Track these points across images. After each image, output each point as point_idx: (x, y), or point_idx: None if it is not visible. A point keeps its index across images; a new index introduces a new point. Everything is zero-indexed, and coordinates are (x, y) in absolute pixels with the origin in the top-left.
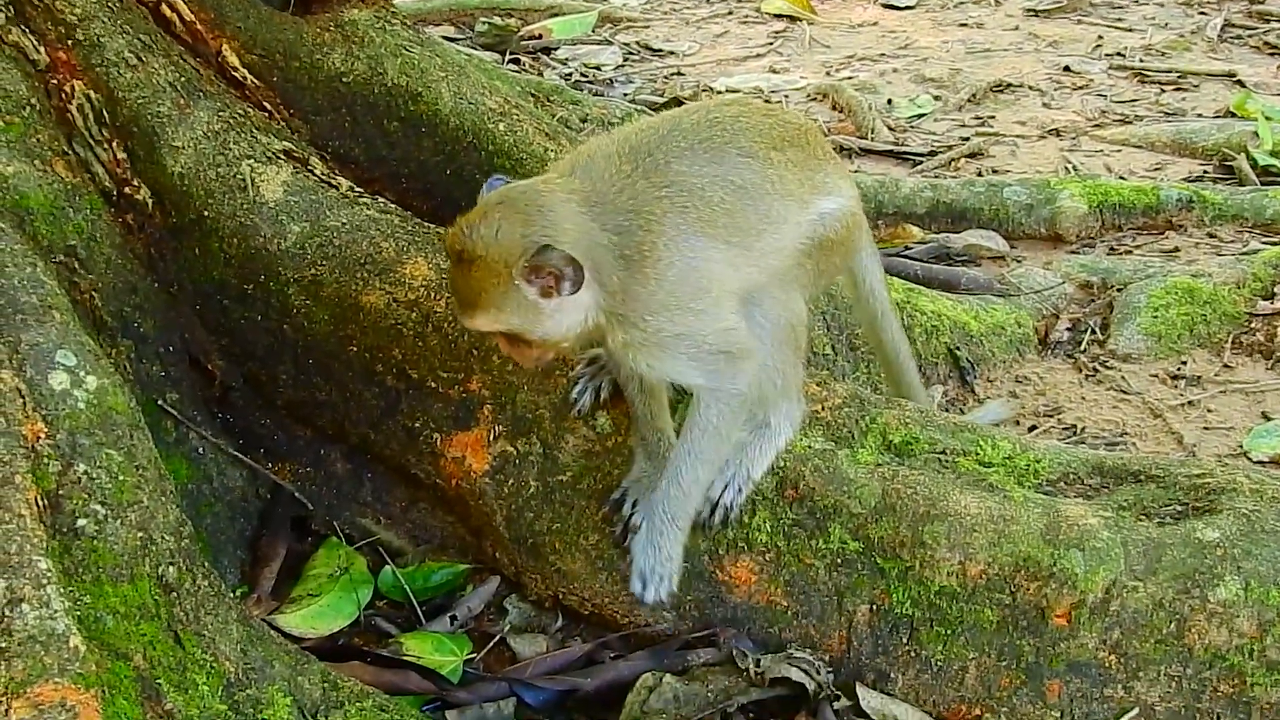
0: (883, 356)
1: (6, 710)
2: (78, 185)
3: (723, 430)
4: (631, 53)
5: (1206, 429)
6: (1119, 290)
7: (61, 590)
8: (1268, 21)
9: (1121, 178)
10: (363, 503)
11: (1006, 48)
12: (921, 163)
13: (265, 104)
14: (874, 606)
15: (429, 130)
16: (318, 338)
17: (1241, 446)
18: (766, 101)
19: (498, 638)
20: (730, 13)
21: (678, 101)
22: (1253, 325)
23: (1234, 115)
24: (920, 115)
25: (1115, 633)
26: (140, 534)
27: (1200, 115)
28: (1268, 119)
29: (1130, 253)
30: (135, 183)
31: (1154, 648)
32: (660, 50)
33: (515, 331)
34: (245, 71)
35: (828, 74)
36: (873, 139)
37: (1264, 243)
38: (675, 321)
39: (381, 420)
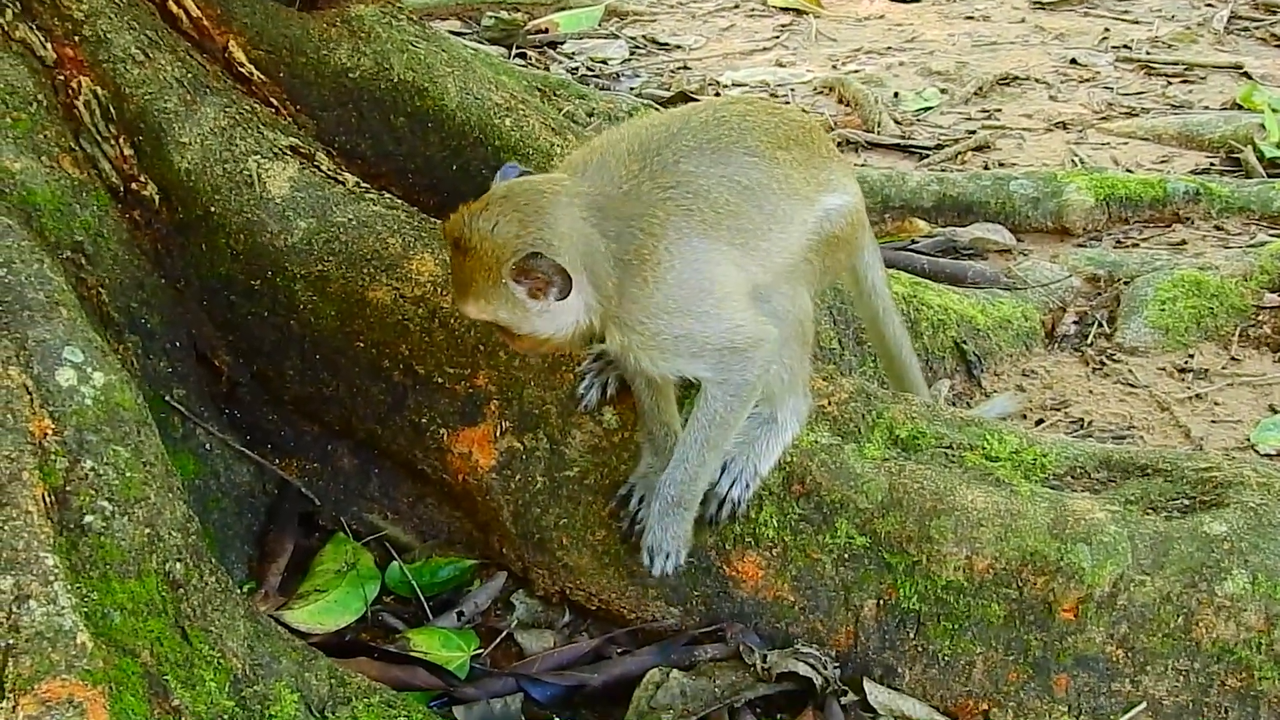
0: (884, 353)
1: (14, 706)
2: (85, 181)
3: (730, 419)
4: (638, 47)
5: (1214, 422)
6: (1126, 283)
7: (69, 587)
8: (1274, 13)
9: (1128, 170)
10: (370, 498)
11: (1013, 41)
12: (928, 156)
13: (272, 100)
14: (881, 601)
15: (435, 125)
16: (324, 333)
17: (1249, 439)
18: (773, 95)
19: (505, 633)
20: (736, 6)
21: (684, 96)
22: (1260, 318)
23: (1241, 107)
24: (926, 109)
25: (1122, 627)
26: (147, 530)
27: (1207, 108)
28: (1274, 111)
29: (1137, 246)
30: (142, 179)
31: (1161, 642)
32: (667, 44)
33: (503, 325)
34: (252, 67)
35: (834, 67)
36: (879, 132)
37: (1271, 235)
38: (674, 324)
39: (388, 416)
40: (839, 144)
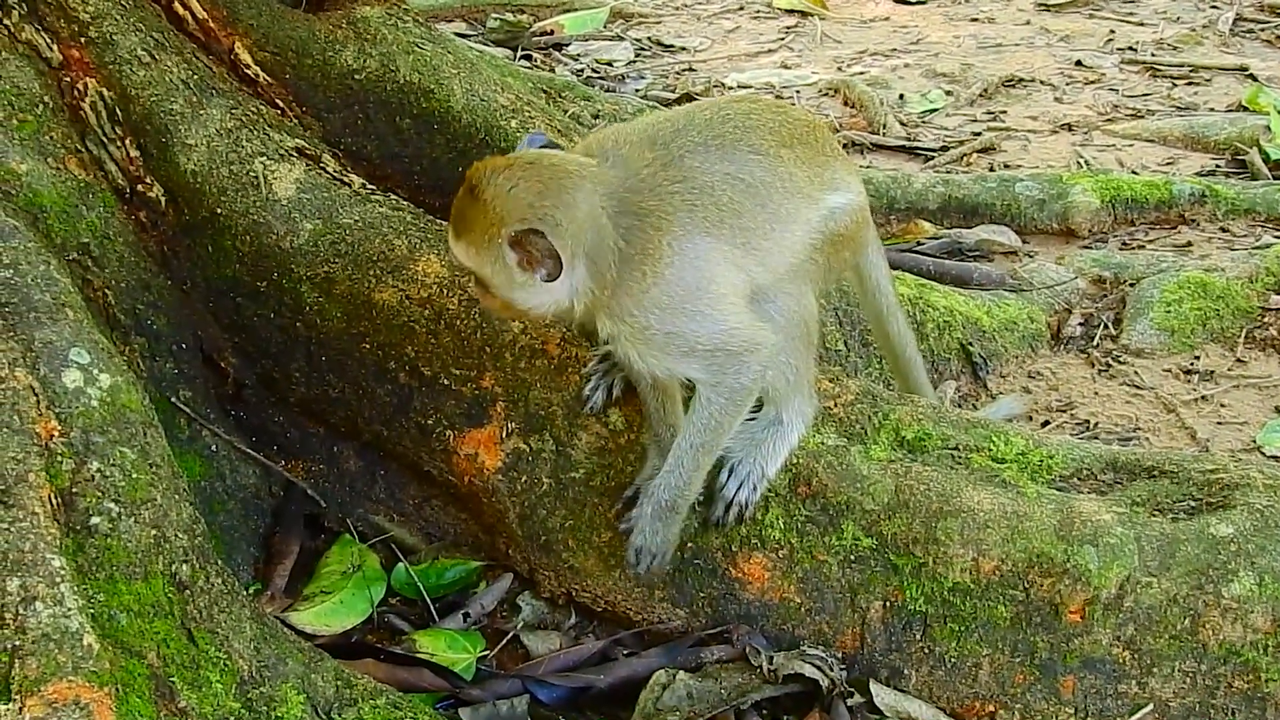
0: (889, 353)
1: (21, 708)
2: (91, 183)
3: (724, 423)
4: (643, 48)
5: (1220, 424)
6: (1132, 285)
7: (75, 588)
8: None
9: (1134, 172)
10: (376, 500)
11: (1018, 42)
12: (933, 158)
13: (278, 101)
14: (887, 603)
15: (441, 127)
16: (330, 335)
17: (1254, 441)
18: (778, 97)
19: (511, 635)
20: (742, 8)
21: (689, 98)
22: (1266, 320)
23: (1246, 109)
24: (932, 110)
25: (1129, 629)
26: (154, 531)
27: (1212, 109)
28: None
29: (1143, 247)
30: (148, 180)
31: (1168, 643)
32: (672, 46)
33: (482, 279)
34: (258, 69)
35: (839, 69)
36: (884, 134)
37: (1276, 237)
38: (665, 321)
39: (394, 417)
40: (844, 146)
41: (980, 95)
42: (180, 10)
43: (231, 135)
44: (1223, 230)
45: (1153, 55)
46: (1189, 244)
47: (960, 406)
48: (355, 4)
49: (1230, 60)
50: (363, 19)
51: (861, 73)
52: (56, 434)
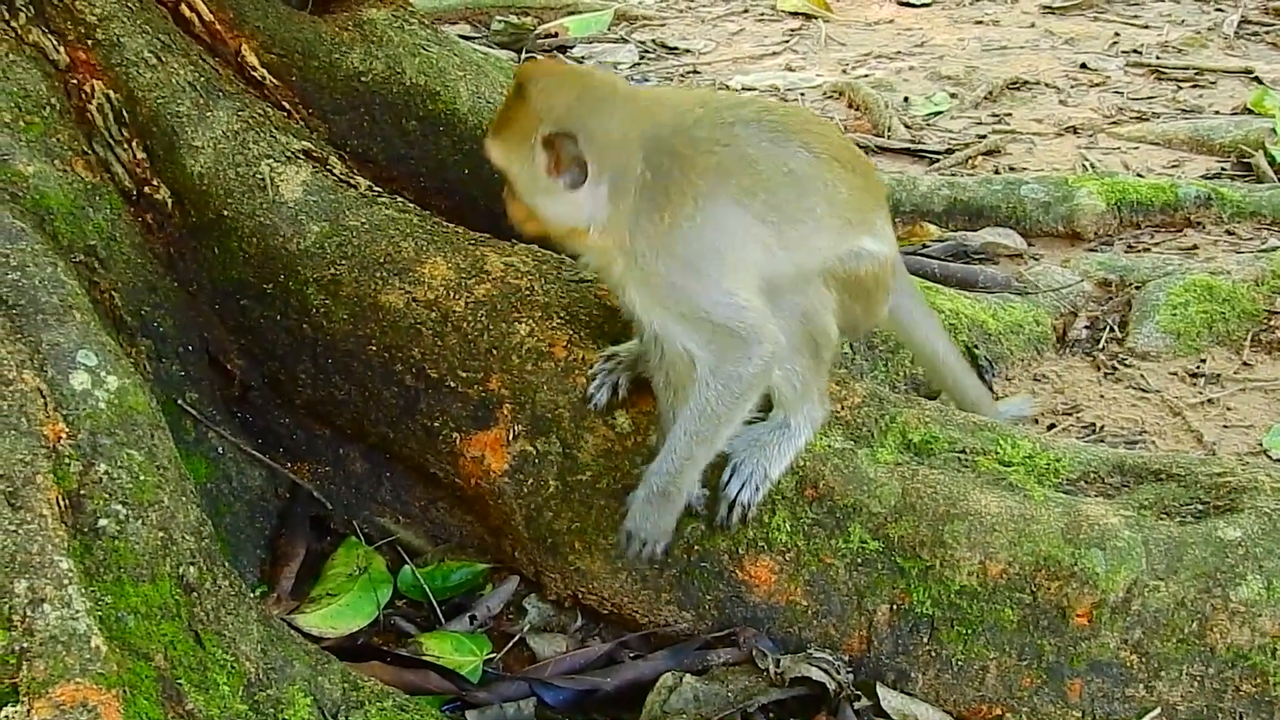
0: (955, 398)
1: (29, 710)
2: (98, 185)
3: (721, 413)
4: (647, 51)
5: (1226, 427)
6: (1137, 288)
7: (83, 590)
8: None
9: (1139, 175)
10: (382, 502)
11: (1023, 45)
12: (938, 161)
13: (284, 103)
14: (894, 606)
15: (447, 129)
16: (337, 337)
17: (1261, 444)
18: (783, 99)
19: (517, 637)
20: (746, 10)
21: None
22: (1272, 322)
23: (1251, 112)
24: (937, 113)
25: (1136, 632)
26: (161, 534)
27: (1217, 112)
28: None
29: (1148, 250)
30: (155, 182)
31: (1176, 647)
32: (676, 48)
33: (510, 179)
34: (264, 71)
35: (844, 72)
36: (889, 137)
37: None
38: (672, 270)
39: (400, 419)
40: None
41: (985, 98)
42: (187, 12)
43: (238, 137)
44: (1228, 233)
45: (1158, 58)
46: (1195, 247)
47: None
48: (361, 6)
49: (1235, 63)
50: (369, 21)
51: (866, 75)
52: (64, 436)
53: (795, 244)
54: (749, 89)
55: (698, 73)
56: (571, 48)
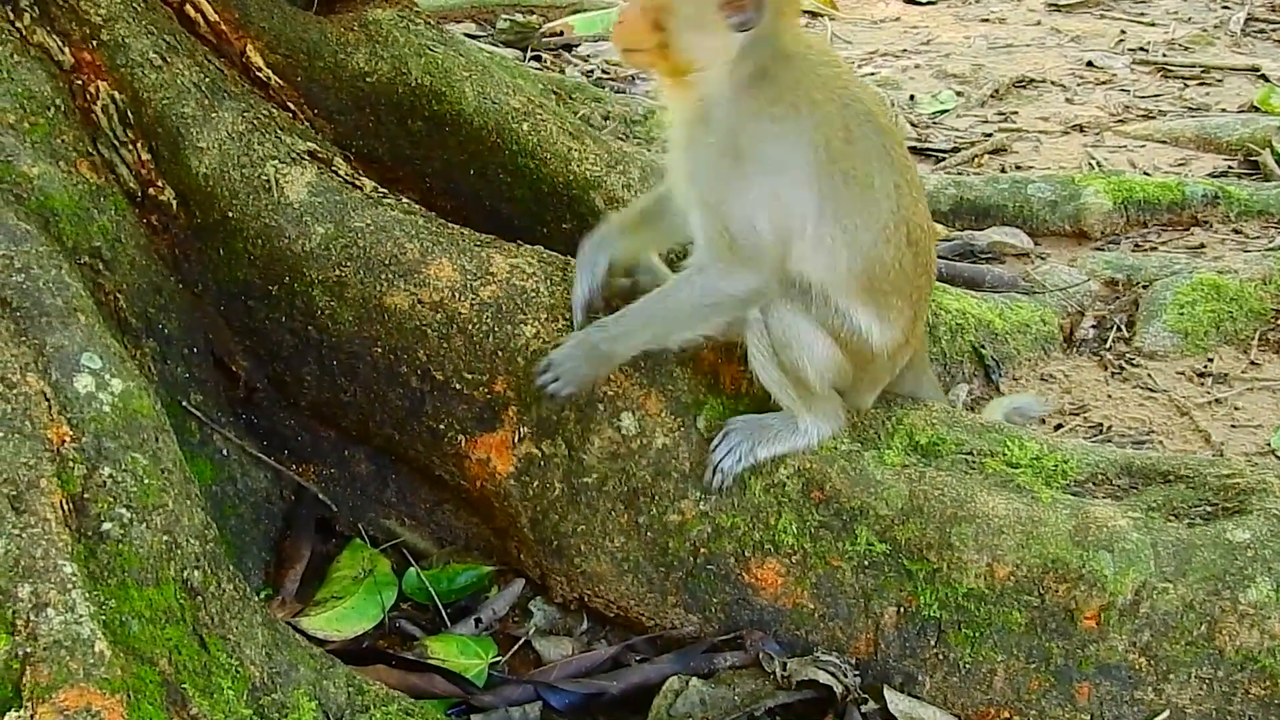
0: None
1: (32, 715)
2: (102, 186)
3: (682, 311)
4: None
5: (1234, 427)
6: (1144, 287)
7: (87, 594)
8: None
9: (1146, 173)
10: (387, 504)
11: (1029, 43)
12: (944, 159)
13: (289, 104)
14: (901, 609)
15: (453, 129)
16: (342, 339)
17: (1269, 444)
18: None
19: (523, 640)
20: None
21: None
22: (1279, 322)
23: (1258, 110)
24: (943, 111)
25: (1145, 635)
26: (165, 537)
27: (1224, 110)
28: None
29: (1155, 249)
30: (160, 183)
31: (1184, 650)
32: None
33: (670, 9)
34: (269, 72)
35: None
36: None
37: None
38: (725, 157)
39: (406, 421)
40: None
41: (991, 96)
42: (192, 13)
43: (243, 138)
44: (1236, 232)
45: (1164, 56)
46: (1202, 246)
47: (972, 410)
48: (367, 6)
49: (1242, 61)
50: (374, 21)
51: (872, 73)
52: (68, 439)
53: (828, 235)
54: None
55: None
56: (576, 46)
